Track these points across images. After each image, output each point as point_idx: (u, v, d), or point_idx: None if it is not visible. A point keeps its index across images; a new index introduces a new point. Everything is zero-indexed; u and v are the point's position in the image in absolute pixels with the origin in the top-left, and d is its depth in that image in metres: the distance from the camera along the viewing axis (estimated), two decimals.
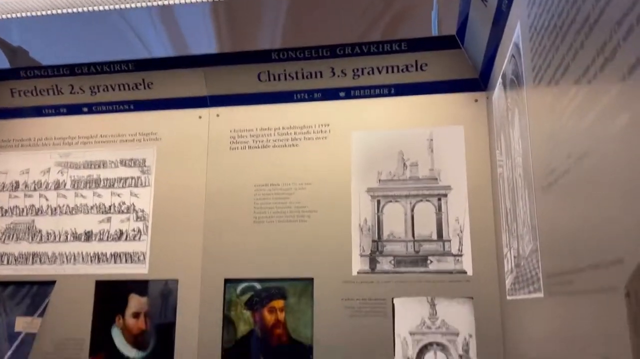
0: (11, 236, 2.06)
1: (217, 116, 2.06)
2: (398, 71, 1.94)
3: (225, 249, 1.93)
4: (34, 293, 2.02)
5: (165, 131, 2.07)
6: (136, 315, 1.94)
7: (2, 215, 2.09)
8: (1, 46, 2.28)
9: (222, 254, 1.93)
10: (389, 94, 1.95)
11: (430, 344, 1.74)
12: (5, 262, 2.04)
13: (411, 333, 1.75)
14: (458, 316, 1.74)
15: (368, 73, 1.95)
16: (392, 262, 1.82)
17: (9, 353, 1.92)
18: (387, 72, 1.94)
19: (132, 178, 2.05)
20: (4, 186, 2.11)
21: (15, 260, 2.04)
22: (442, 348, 1.73)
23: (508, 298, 1.55)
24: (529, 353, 1.31)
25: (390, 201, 1.88)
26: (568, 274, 0.90)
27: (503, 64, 1.48)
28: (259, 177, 1.98)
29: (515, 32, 1.26)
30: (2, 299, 2.03)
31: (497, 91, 1.61)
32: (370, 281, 1.82)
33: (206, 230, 1.96)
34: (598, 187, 0.72)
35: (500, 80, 1.55)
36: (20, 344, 1.95)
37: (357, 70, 1.96)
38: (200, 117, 2.06)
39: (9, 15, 2.03)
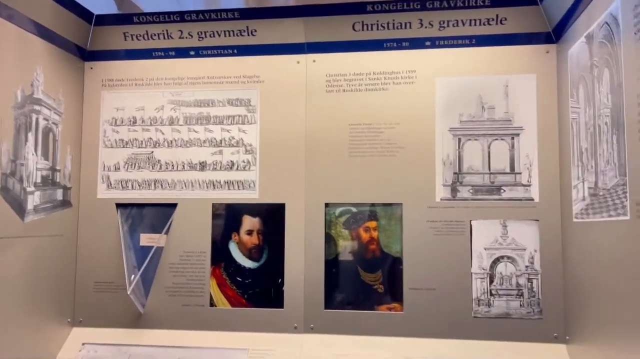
0: (133, 165, 2.37)
1: (314, 61, 2.32)
2: (480, 24, 2.19)
3: (324, 178, 2.26)
4: (157, 214, 2.37)
5: (267, 75, 2.34)
6: (250, 232, 2.30)
7: (123, 146, 2.39)
8: None
9: (322, 182, 2.26)
10: (470, 45, 2.22)
11: (502, 257, 2.12)
12: (130, 187, 2.37)
13: (486, 248, 2.13)
14: (525, 235, 2.12)
15: (453, 25, 2.20)
16: (471, 191, 2.17)
17: (145, 262, 2.30)
18: (470, 24, 2.20)
19: (239, 116, 2.34)
20: (122, 121, 2.40)
21: (139, 185, 2.36)
22: (512, 260, 2.12)
23: (575, 220, 1.92)
24: (591, 267, 1.69)
25: (470, 139, 2.20)
26: None
27: (589, 27, 1.75)
28: (353, 117, 2.28)
29: (614, 4, 1.53)
30: (130, 218, 2.38)
31: (578, 48, 1.89)
32: (451, 206, 2.18)
33: (307, 163, 2.28)
34: None
35: (583, 39, 1.82)
36: (152, 256, 2.32)
37: (443, 22, 2.21)
38: (298, 62, 2.32)
39: None
